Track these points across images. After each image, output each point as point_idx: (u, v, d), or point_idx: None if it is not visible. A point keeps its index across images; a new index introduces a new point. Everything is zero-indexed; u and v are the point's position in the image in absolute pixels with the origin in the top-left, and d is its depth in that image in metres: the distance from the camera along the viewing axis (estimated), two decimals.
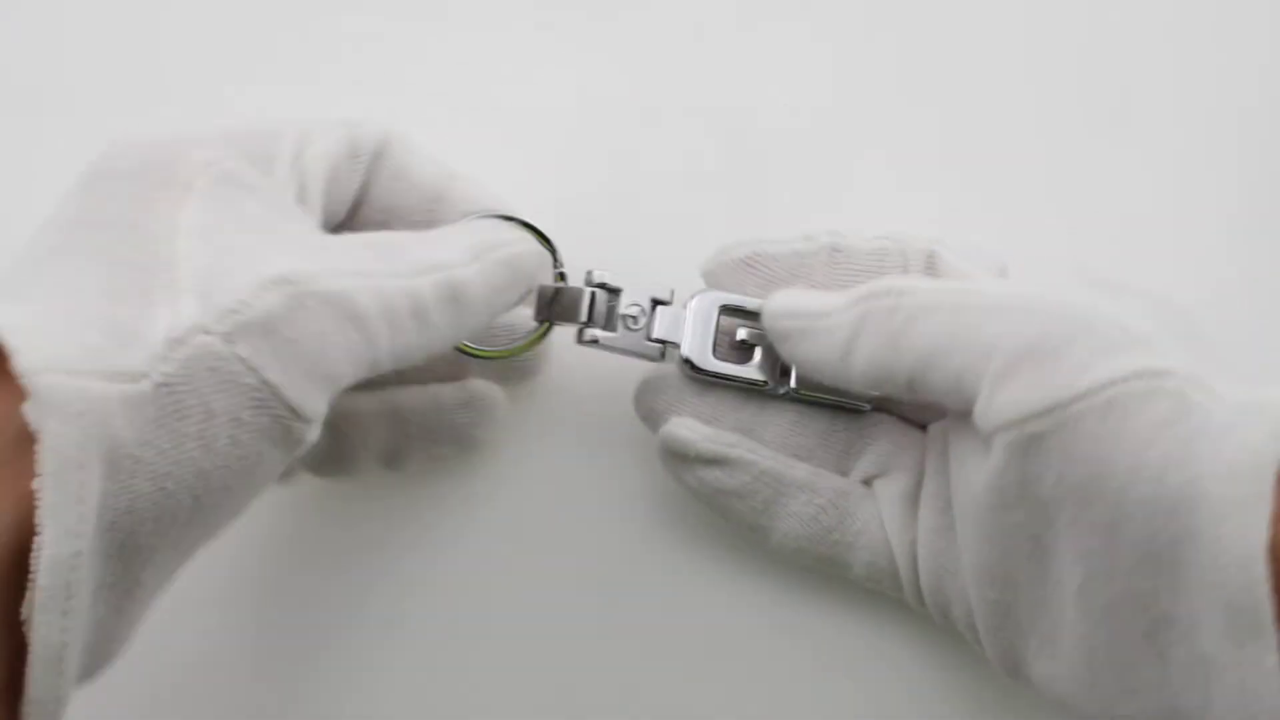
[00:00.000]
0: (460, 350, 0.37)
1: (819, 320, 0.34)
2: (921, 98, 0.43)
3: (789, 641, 0.39)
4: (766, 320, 0.36)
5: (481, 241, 0.34)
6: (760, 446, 0.37)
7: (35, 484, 0.25)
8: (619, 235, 0.41)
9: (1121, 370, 0.29)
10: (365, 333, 0.30)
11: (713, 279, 0.37)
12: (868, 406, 0.37)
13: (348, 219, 0.36)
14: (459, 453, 0.38)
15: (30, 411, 0.25)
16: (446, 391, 0.37)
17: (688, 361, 0.37)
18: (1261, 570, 0.26)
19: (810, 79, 0.43)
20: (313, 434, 0.30)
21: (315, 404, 0.29)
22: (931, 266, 0.36)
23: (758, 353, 0.37)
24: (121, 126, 0.33)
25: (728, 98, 0.43)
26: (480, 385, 0.38)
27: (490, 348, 0.37)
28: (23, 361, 0.25)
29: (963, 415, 0.32)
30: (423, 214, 0.36)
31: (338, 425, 0.36)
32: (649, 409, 0.38)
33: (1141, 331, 0.30)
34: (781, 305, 0.35)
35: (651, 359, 0.37)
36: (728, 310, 0.37)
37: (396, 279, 0.31)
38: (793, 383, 0.37)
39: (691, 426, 0.37)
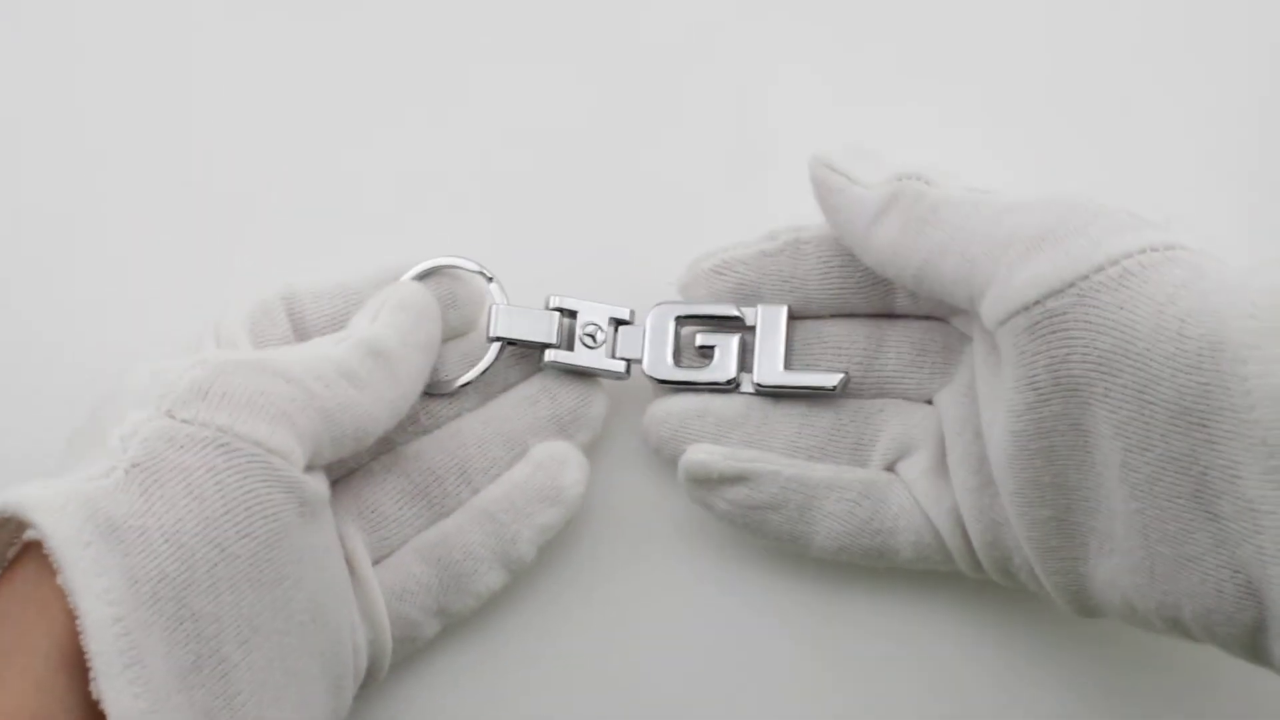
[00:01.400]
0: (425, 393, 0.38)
1: (853, 186, 0.35)
2: (921, 97, 0.43)
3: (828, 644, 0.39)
4: (812, 165, 0.36)
5: (372, 304, 0.36)
6: (778, 456, 0.37)
7: (59, 580, 0.27)
8: (589, 252, 0.42)
9: (1137, 244, 0.30)
10: (298, 385, 0.32)
11: (688, 292, 0.39)
12: (834, 390, 0.37)
13: None
14: (561, 514, 0.38)
15: (31, 534, 0.28)
16: (517, 469, 0.38)
17: (648, 373, 0.38)
18: None
19: (809, 78, 0.43)
20: (294, 468, 0.31)
21: (281, 439, 0.31)
22: None
23: (717, 353, 0.38)
24: None
25: (711, 100, 0.43)
26: (545, 446, 0.38)
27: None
28: (5, 499, 0.28)
29: (957, 315, 0.36)
30: (356, 306, 0.37)
31: (440, 556, 0.37)
32: (657, 438, 0.38)
33: (1153, 218, 0.31)
34: (828, 156, 0.36)
35: (618, 376, 0.38)
36: (685, 320, 0.38)
37: (312, 351, 0.34)
38: (756, 378, 0.38)
39: (708, 449, 0.37)
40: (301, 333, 0.37)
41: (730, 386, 0.38)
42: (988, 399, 0.34)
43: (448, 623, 0.38)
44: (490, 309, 0.38)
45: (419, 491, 0.38)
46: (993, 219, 0.32)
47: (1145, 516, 0.30)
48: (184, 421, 0.30)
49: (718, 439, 0.38)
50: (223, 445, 0.30)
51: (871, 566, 0.38)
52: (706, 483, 0.37)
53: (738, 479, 0.37)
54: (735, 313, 0.38)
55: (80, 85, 0.43)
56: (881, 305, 0.38)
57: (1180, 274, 0.29)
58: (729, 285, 0.38)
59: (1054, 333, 0.30)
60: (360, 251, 0.40)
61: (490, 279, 0.39)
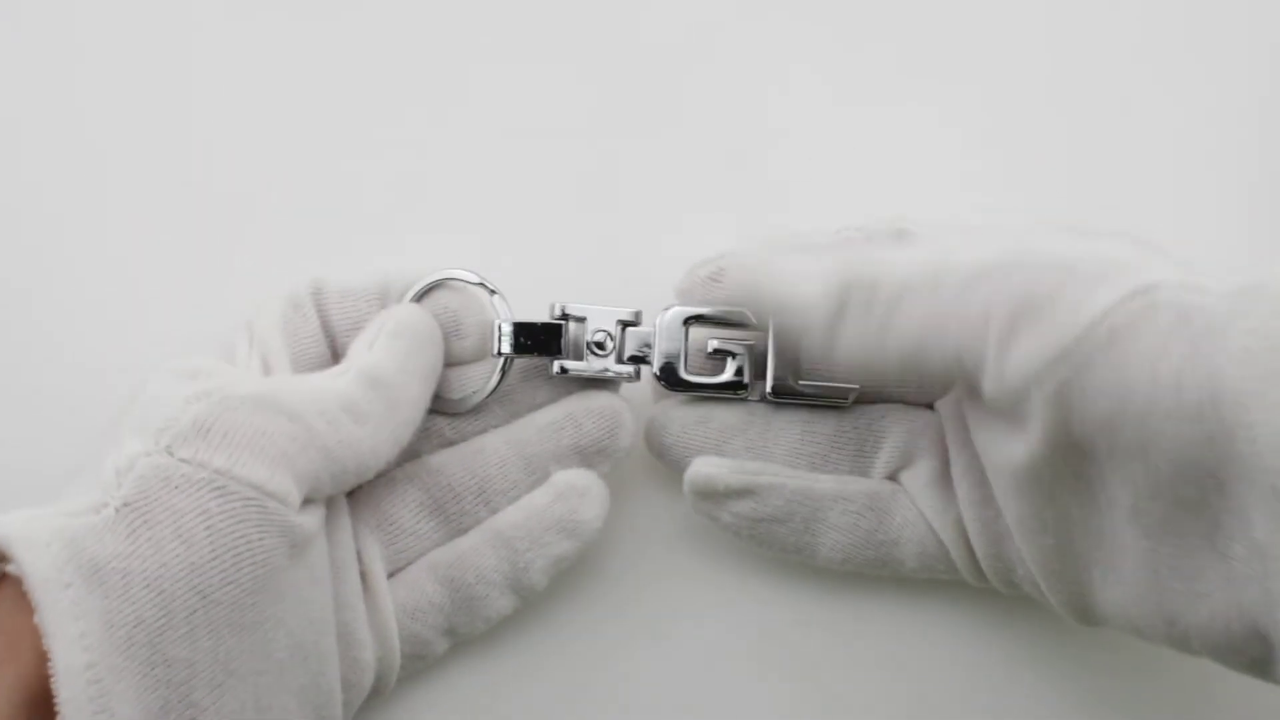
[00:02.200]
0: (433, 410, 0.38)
1: (793, 295, 0.33)
2: (921, 97, 0.43)
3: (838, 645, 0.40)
4: (735, 275, 0.36)
5: (370, 330, 0.36)
6: (782, 468, 0.37)
7: (35, 619, 0.27)
8: (597, 251, 0.41)
9: (1115, 295, 0.29)
10: (301, 423, 0.32)
11: (685, 298, 0.38)
12: (848, 401, 0.37)
13: (337, 352, 0.37)
14: (577, 546, 0.38)
15: (12, 568, 0.27)
16: (537, 495, 0.37)
17: (659, 378, 0.38)
18: None
19: (809, 78, 0.43)
20: (289, 510, 0.31)
21: (280, 482, 0.31)
22: (901, 241, 0.36)
23: (730, 362, 0.38)
24: None
25: (711, 101, 0.43)
26: (567, 475, 0.38)
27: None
28: None
29: (964, 387, 0.33)
30: (379, 310, 0.37)
31: (452, 576, 0.37)
32: (659, 445, 0.38)
33: (1120, 255, 0.30)
34: (747, 266, 0.34)
35: (627, 380, 0.38)
36: (696, 321, 0.38)
37: (316, 384, 0.33)
38: (769, 386, 0.37)
39: (714, 463, 0.37)
40: (326, 330, 0.37)
41: (741, 394, 0.38)
42: (982, 424, 0.34)
43: (456, 642, 0.38)
44: (495, 325, 0.38)
45: (437, 506, 0.37)
46: (960, 296, 0.31)
47: (1157, 555, 0.30)
48: (182, 460, 0.30)
49: (720, 447, 0.37)
50: (218, 488, 0.30)
51: (875, 575, 0.38)
52: (711, 496, 0.37)
53: (743, 493, 0.37)
54: (747, 314, 0.37)
55: (79, 85, 0.43)
56: None
57: (1166, 322, 0.29)
58: (726, 292, 0.37)
59: (1052, 405, 0.30)
60: (360, 251, 0.41)
61: (493, 292, 0.38)
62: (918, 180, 0.42)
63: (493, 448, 0.38)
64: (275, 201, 0.42)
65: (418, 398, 0.36)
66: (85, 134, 0.42)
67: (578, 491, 0.37)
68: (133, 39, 0.43)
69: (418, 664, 0.37)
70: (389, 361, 0.35)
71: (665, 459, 0.38)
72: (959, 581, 0.37)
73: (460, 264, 0.38)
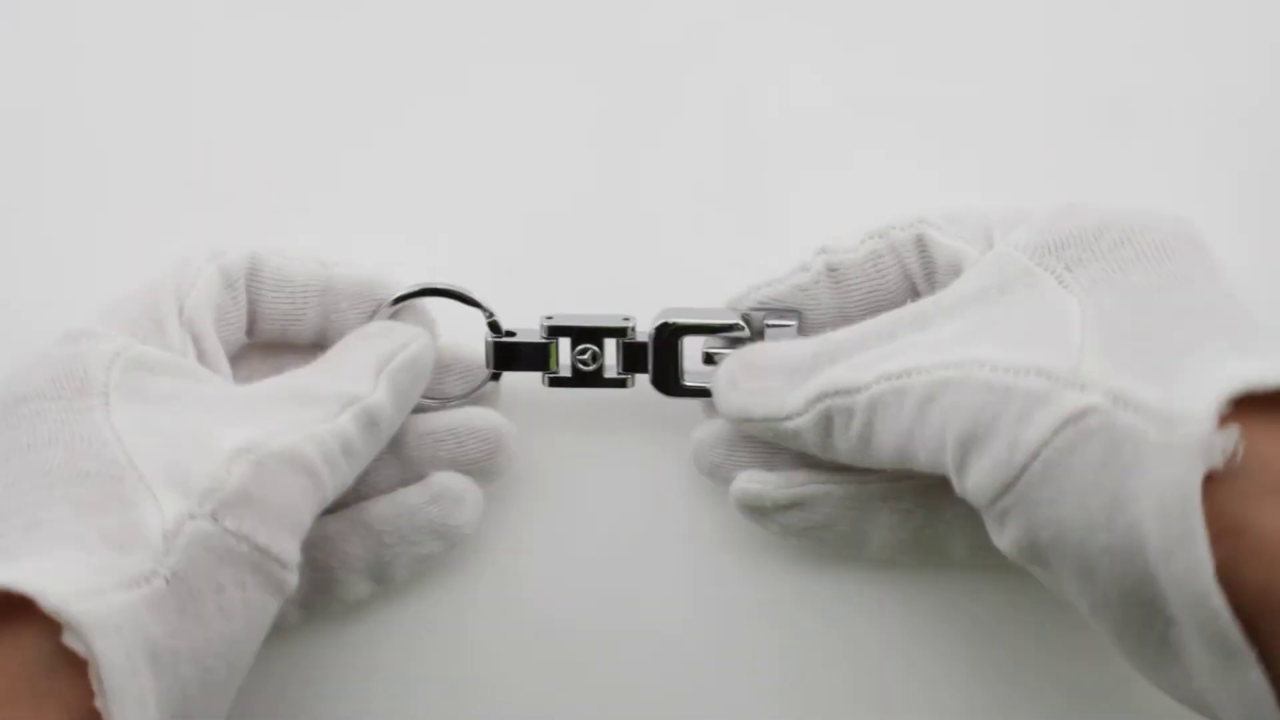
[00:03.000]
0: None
1: (780, 426, 0.36)
2: (920, 98, 0.42)
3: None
4: (726, 414, 0.37)
5: (379, 356, 0.36)
6: (831, 473, 0.37)
7: (98, 703, 0.27)
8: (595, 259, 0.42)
9: (1047, 428, 0.30)
10: (314, 478, 0.33)
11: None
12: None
13: (249, 336, 0.38)
14: (445, 548, 0.39)
15: (73, 640, 0.27)
16: (412, 493, 0.38)
17: (655, 385, 0.38)
18: (1218, 601, 0.26)
19: (806, 76, 0.43)
20: (295, 577, 0.33)
21: (293, 551, 0.33)
22: (924, 250, 0.36)
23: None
24: None
25: (711, 102, 0.43)
26: (445, 478, 0.38)
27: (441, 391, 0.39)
28: (52, 600, 0.27)
29: None
30: (314, 310, 0.38)
31: (315, 556, 0.37)
32: (710, 465, 0.39)
33: (1053, 364, 0.30)
34: (737, 408, 0.36)
35: (621, 386, 0.39)
36: (688, 330, 0.38)
37: (324, 424, 0.34)
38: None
39: (760, 479, 0.37)
40: (252, 315, 0.38)
41: None
42: None
43: (309, 619, 0.38)
44: (486, 341, 0.38)
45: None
46: (919, 416, 0.33)
47: (1125, 647, 0.31)
48: (227, 531, 0.31)
49: (769, 460, 0.38)
50: (255, 565, 0.31)
51: (922, 564, 0.39)
52: (760, 510, 0.37)
53: (791, 506, 0.37)
54: (737, 321, 0.38)
55: (79, 85, 0.43)
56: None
57: (1097, 453, 0.29)
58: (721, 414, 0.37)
59: (1005, 525, 0.32)
60: (358, 253, 0.40)
61: (490, 315, 0.38)
62: (917, 181, 0.42)
63: None
64: (275, 201, 0.42)
65: (397, 427, 0.37)
66: (79, 135, 0.42)
67: (453, 496, 0.38)
68: (131, 41, 0.43)
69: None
70: (389, 403, 0.36)
71: (715, 478, 0.39)
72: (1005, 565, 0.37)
73: (439, 272, 0.39)
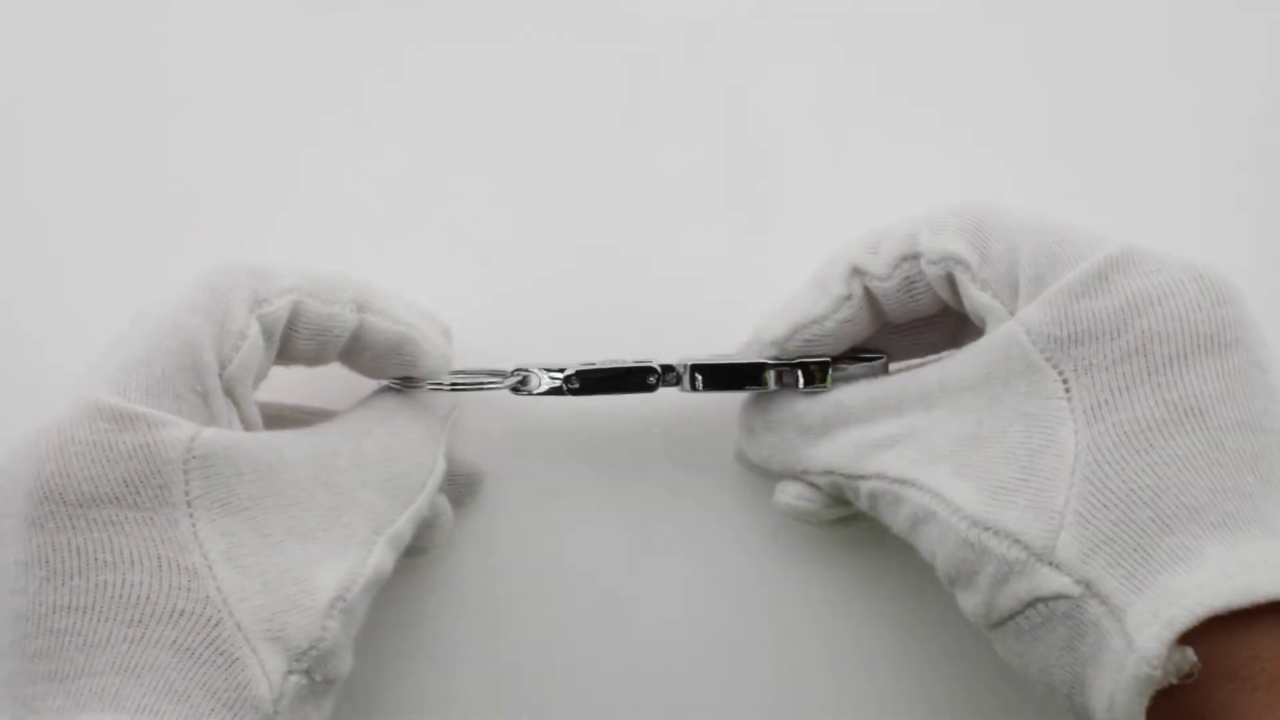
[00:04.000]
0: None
1: (799, 475, 0.38)
2: (920, 98, 0.43)
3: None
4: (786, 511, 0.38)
5: (442, 421, 0.38)
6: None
7: None
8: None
9: (1020, 600, 0.31)
10: (386, 580, 0.35)
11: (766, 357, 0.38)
12: (881, 357, 0.38)
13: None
14: (406, 560, 0.38)
15: None
16: None
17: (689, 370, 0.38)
18: None
19: (804, 77, 0.43)
20: None
21: (351, 659, 0.34)
22: (954, 288, 0.35)
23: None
24: None
25: (709, 106, 0.43)
26: None
27: None
28: None
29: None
30: (337, 352, 0.36)
31: None
32: (751, 464, 0.39)
33: (1035, 534, 0.31)
34: (758, 458, 0.38)
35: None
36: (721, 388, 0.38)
37: (406, 510, 0.35)
38: (800, 385, 0.37)
39: (799, 494, 0.38)
40: (278, 357, 0.35)
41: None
42: None
43: None
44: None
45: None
46: (912, 529, 0.34)
47: None
48: (318, 680, 0.32)
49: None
50: (325, 692, 0.33)
51: None
52: (805, 521, 0.39)
53: (837, 520, 0.38)
54: (772, 386, 0.37)
55: (73, 90, 0.42)
56: (953, 330, 0.38)
57: (1063, 635, 0.31)
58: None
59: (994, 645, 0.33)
60: (356, 261, 0.40)
61: (515, 383, 0.38)
62: (915, 189, 0.42)
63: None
64: (268, 209, 0.42)
65: None
66: (66, 149, 0.42)
67: (427, 522, 0.38)
68: (128, 41, 0.43)
69: None
70: (444, 468, 0.37)
71: (755, 471, 0.40)
72: None
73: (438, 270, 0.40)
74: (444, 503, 0.39)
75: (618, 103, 0.43)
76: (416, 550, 0.38)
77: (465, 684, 0.40)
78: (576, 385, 0.38)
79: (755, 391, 0.38)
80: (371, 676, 0.40)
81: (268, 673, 0.30)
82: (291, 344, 0.35)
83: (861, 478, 0.35)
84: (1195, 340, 0.31)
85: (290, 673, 0.31)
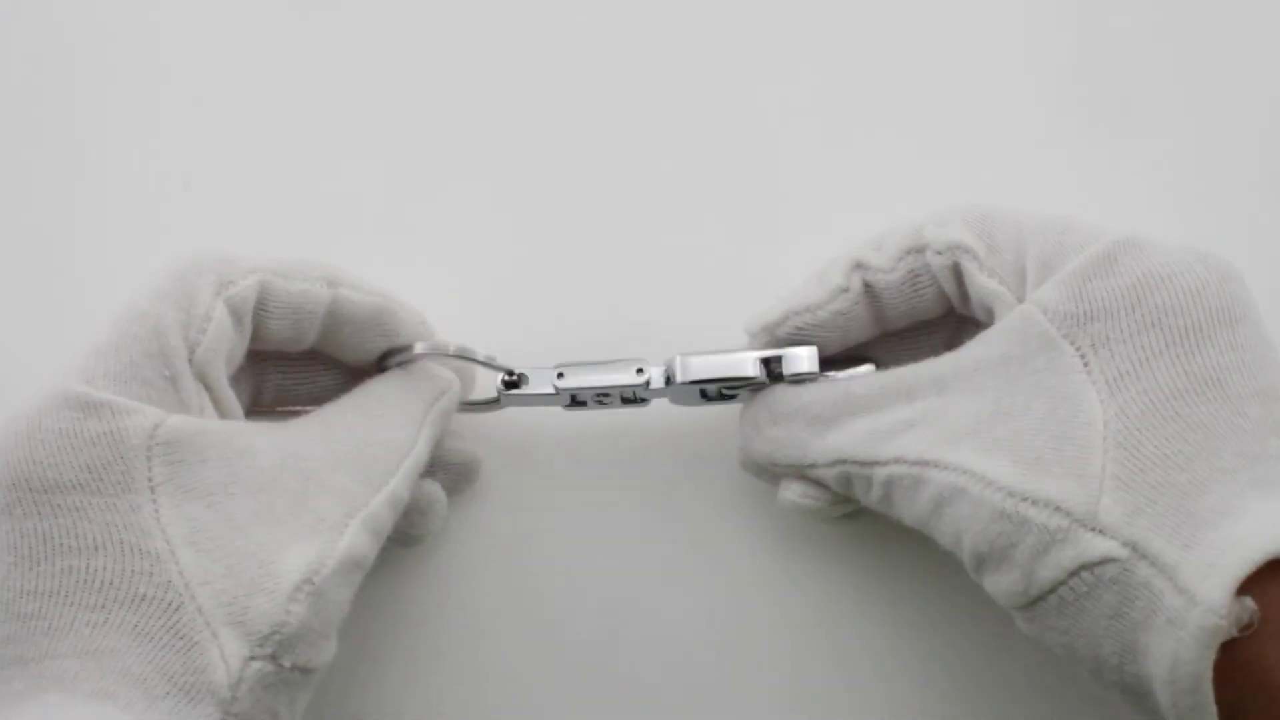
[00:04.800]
0: None
1: (804, 471, 0.36)
2: (919, 99, 0.42)
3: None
4: (748, 461, 0.38)
5: (422, 404, 0.37)
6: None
7: None
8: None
9: (1063, 569, 0.31)
10: (365, 566, 0.34)
11: (758, 345, 0.38)
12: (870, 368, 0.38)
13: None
14: (400, 549, 0.39)
15: None
16: None
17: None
18: None
19: (802, 81, 0.43)
20: None
21: (334, 647, 0.33)
22: (959, 279, 0.36)
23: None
24: None
25: (709, 111, 0.43)
26: (416, 486, 0.37)
27: None
28: None
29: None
30: (315, 332, 0.36)
31: None
32: (756, 467, 0.38)
33: (1075, 498, 0.31)
34: (762, 454, 0.37)
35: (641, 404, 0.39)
36: (707, 383, 0.37)
37: (380, 492, 0.34)
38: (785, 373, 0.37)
39: (803, 492, 0.37)
40: (250, 339, 0.35)
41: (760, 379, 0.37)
42: None
43: None
44: (499, 392, 0.39)
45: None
46: (935, 512, 0.33)
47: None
48: (283, 667, 0.31)
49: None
50: (307, 682, 0.32)
51: None
52: (812, 517, 0.38)
53: (843, 518, 0.38)
54: (757, 376, 0.37)
55: (72, 90, 0.43)
56: (951, 335, 0.38)
57: (1112, 601, 0.30)
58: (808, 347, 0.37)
59: (1021, 623, 0.33)
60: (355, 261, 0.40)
61: (512, 376, 0.38)
62: (914, 197, 0.42)
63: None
64: (264, 210, 0.42)
65: None
66: (61, 148, 0.43)
67: (420, 509, 0.38)
68: (126, 43, 0.43)
69: None
70: (427, 453, 0.36)
71: (761, 477, 0.39)
72: None
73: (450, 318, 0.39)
74: (438, 490, 0.38)
75: (618, 118, 0.43)
76: (411, 539, 0.38)
77: (459, 682, 0.39)
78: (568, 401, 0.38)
79: (749, 387, 0.37)
80: (365, 674, 0.39)
81: (226, 657, 0.30)
82: (265, 325, 0.35)
83: (877, 464, 0.34)
84: (1207, 314, 0.32)
85: (252, 658, 0.30)
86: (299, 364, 0.38)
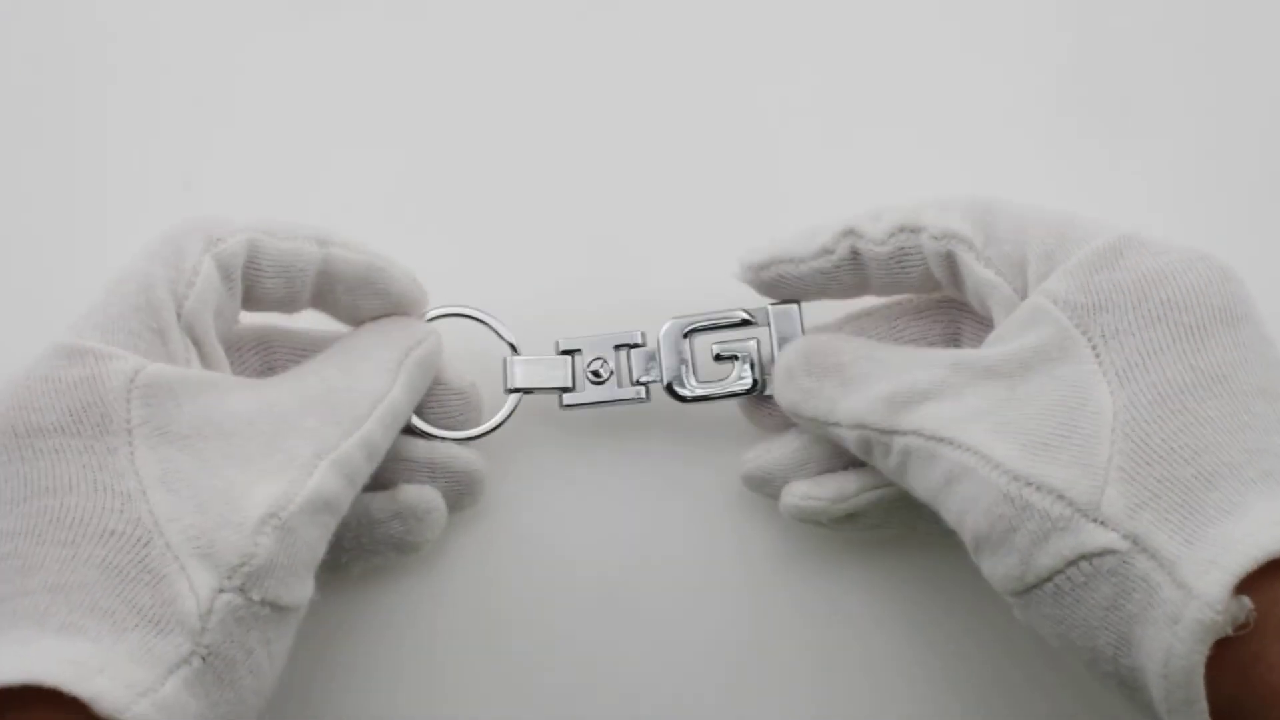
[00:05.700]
0: (425, 434, 0.38)
1: (826, 428, 0.36)
2: (919, 99, 0.42)
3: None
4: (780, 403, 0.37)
5: (398, 352, 0.37)
6: (881, 477, 0.37)
7: None
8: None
9: (1062, 558, 0.31)
10: (338, 507, 0.34)
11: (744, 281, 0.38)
12: None
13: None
14: (398, 557, 0.38)
15: None
16: (376, 502, 0.38)
17: (669, 392, 0.38)
18: None
19: (803, 80, 0.43)
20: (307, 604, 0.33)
21: (309, 590, 0.33)
22: (954, 267, 0.36)
23: (735, 364, 0.38)
24: None
25: (708, 107, 0.43)
26: (412, 493, 0.38)
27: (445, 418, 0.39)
28: (107, 704, 0.27)
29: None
30: (309, 291, 0.37)
31: None
32: (768, 493, 0.39)
33: (1079, 488, 0.31)
34: (789, 401, 0.37)
35: (639, 402, 0.39)
36: (696, 332, 0.38)
37: (351, 435, 0.34)
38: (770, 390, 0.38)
39: (814, 494, 0.37)
40: (243, 301, 0.36)
41: (755, 393, 0.38)
42: None
43: None
44: (505, 361, 0.39)
45: None
46: (945, 488, 0.33)
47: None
48: (253, 601, 0.31)
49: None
50: (278, 620, 0.32)
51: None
52: (814, 522, 0.38)
53: (846, 518, 0.38)
54: (746, 317, 0.38)
55: (71, 89, 0.43)
56: (949, 327, 0.38)
57: (1108, 593, 0.30)
58: (785, 298, 0.38)
59: (1015, 609, 0.33)
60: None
61: (511, 345, 0.39)
62: (916, 185, 0.42)
63: None
64: (270, 209, 0.42)
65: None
66: (57, 147, 0.43)
67: (418, 515, 0.38)
68: (125, 45, 0.43)
69: None
70: (408, 399, 0.36)
71: (762, 491, 0.39)
72: None
73: (457, 291, 0.39)
74: (436, 497, 0.38)
75: (617, 115, 0.43)
76: (409, 546, 0.38)
77: (461, 686, 0.39)
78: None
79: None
80: (365, 678, 0.39)
81: (195, 588, 0.30)
82: (258, 284, 0.36)
83: (896, 432, 0.34)
84: (1210, 312, 0.32)
85: (221, 590, 0.31)
86: (306, 346, 0.38)
